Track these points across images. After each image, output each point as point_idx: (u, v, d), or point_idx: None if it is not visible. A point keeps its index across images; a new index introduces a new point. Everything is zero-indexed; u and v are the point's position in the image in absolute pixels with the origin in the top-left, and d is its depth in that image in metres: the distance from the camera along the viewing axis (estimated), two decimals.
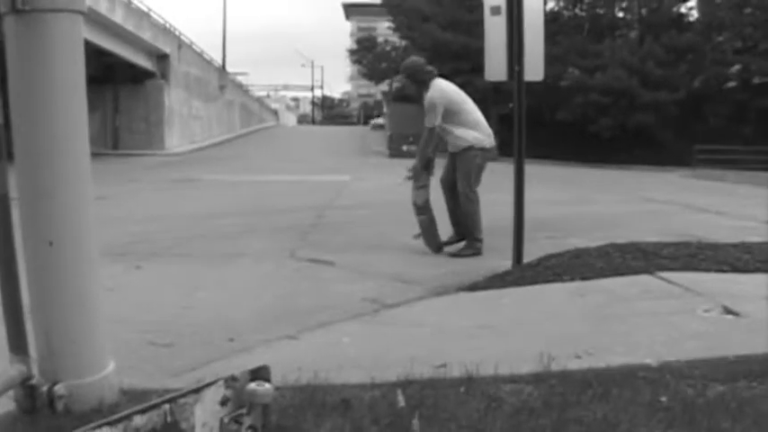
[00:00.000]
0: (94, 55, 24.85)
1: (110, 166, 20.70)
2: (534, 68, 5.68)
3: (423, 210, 6.71)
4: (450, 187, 6.77)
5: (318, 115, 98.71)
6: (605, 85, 32.34)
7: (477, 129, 6.66)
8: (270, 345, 3.80)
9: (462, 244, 6.67)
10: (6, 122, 2.20)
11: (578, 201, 13.10)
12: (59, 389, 2.45)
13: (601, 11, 37.57)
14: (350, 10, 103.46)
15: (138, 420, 2.01)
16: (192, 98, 37.37)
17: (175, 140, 33.96)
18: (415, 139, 9.92)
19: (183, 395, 2.14)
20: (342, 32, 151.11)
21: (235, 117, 49.00)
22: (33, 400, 2.47)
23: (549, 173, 19.93)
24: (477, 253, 6.53)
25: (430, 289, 5.21)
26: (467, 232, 6.65)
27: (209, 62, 42.42)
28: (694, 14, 37.64)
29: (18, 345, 2.40)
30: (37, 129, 2.21)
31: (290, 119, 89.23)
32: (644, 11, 36.77)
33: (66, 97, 2.23)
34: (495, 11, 5.63)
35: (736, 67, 34.28)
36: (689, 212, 10.97)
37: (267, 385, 2.30)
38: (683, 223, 9.05)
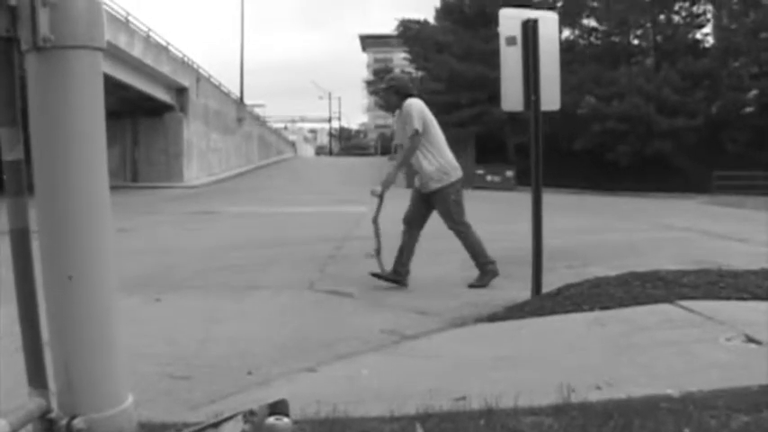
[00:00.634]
0: (114, 88, 25.16)
1: (129, 199, 20.87)
2: (551, 98, 5.69)
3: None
4: (410, 224, 6.72)
5: (336, 146, 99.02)
6: (622, 113, 32.35)
7: (443, 155, 6.62)
8: (289, 377, 3.79)
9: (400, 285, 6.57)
10: (27, 156, 2.23)
11: (597, 229, 13.04)
12: (78, 422, 2.44)
13: (616, 39, 37.70)
14: (366, 41, 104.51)
15: None
16: (211, 130, 37.70)
17: (194, 173, 34.26)
18: None
19: (202, 429, 2.13)
20: (358, 64, 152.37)
21: (253, 149, 49.27)
22: None
23: (567, 201, 19.88)
24: (495, 274, 6.54)
25: (448, 320, 5.19)
26: (475, 263, 6.64)
27: (226, 94, 42.78)
28: (710, 40, 37.75)
29: (37, 378, 2.40)
30: (56, 163, 2.23)
31: (307, 150, 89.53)
32: (659, 38, 36.87)
33: (85, 131, 2.25)
34: (511, 41, 5.63)
35: (754, 92, 34.25)
36: (708, 239, 10.89)
37: (286, 419, 2.28)
38: (702, 250, 8.98)
